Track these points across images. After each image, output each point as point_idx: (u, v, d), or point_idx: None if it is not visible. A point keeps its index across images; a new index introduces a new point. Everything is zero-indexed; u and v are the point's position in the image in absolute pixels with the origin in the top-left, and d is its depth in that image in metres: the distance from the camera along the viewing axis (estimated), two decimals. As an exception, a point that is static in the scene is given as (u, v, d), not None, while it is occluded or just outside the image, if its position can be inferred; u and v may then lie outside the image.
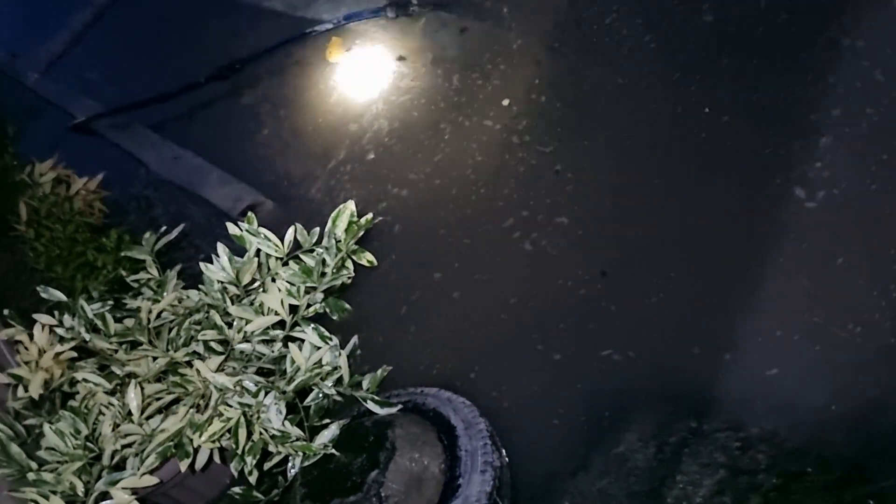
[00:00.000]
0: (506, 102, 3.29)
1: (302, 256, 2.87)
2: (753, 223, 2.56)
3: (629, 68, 3.07)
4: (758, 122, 2.73)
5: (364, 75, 3.74)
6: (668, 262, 2.61)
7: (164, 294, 2.97)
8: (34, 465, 2.55)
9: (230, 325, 2.78)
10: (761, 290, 2.44)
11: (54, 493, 2.44)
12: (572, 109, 3.11)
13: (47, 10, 6.01)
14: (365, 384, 2.60)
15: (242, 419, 2.45)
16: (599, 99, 3.08)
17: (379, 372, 2.62)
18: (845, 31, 2.74)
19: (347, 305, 2.88)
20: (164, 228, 3.34)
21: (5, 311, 3.04)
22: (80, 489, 2.45)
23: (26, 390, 2.76)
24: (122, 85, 4.73)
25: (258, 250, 2.89)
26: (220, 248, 2.87)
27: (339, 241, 2.86)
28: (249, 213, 2.99)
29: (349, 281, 2.91)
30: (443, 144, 3.28)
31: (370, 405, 2.53)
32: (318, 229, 2.92)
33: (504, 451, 2.49)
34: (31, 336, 2.91)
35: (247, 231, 2.88)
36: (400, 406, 2.56)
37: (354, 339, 2.83)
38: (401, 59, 3.71)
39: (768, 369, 2.35)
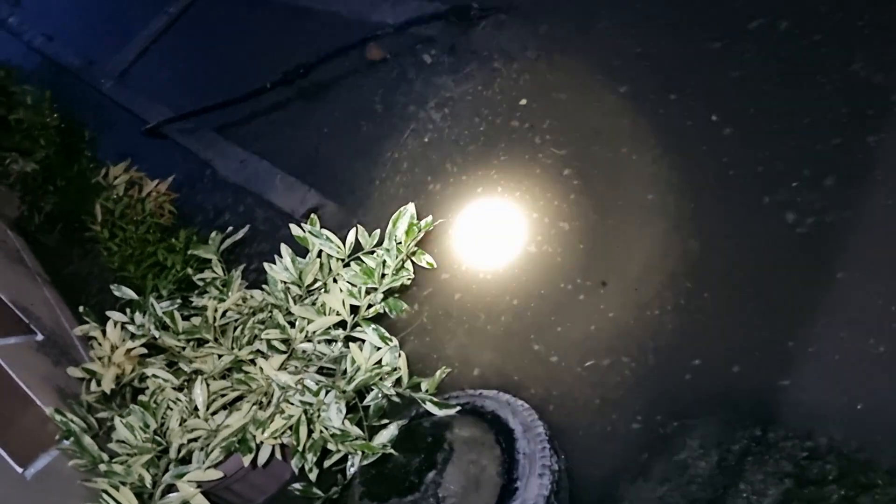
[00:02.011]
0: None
1: (363, 258, 2.91)
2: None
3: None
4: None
5: (421, 78, 3.76)
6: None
7: (230, 293, 3.04)
8: (105, 456, 2.64)
9: (292, 325, 2.83)
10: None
11: (124, 484, 2.52)
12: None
13: (122, 18, 6.23)
14: (423, 385, 2.61)
15: (303, 417, 2.49)
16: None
17: (438, 373, 2.63)
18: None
19: (406, 306, 2.90)
20: (230, 229, 3.43)
21: (81, 309, 3.16)
22: (148, 481, 2.53)
23: (99, 384, 2.87)
24: (192, 90, 4.87)
25: (320, 251, 2.94)
26: (284, 248, 2.93)
27: (400, 242, 2.88)
28: (312, 215, 3.04)
29: (409, 282, 2.93)
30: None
31: (429, 406, 2.53)
32: (378, 231, 2.95)
33: (562, 455, 2.47)
34: (104, 332, 3.03)
35: (309, 232, 2.93)
36: (458, 408, 2.56)
37: (413, 340, 2.85)
38: (454, 56, 3.73)
39: (836, 380, 2.27)
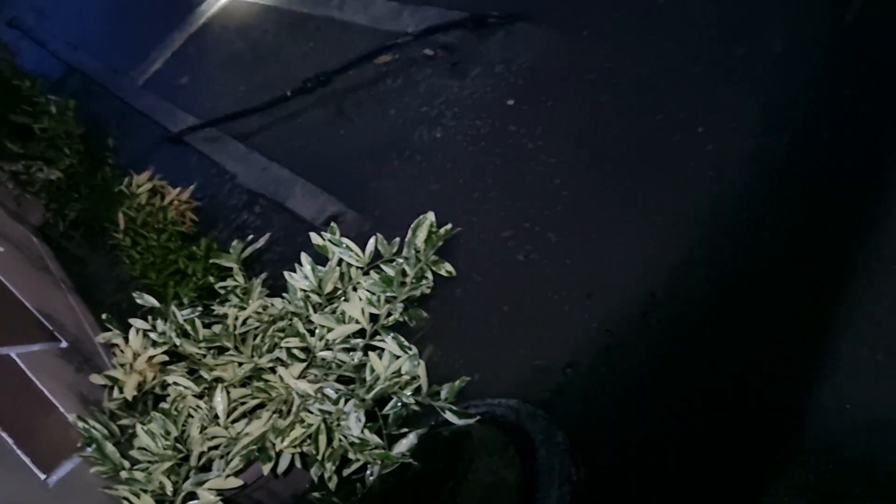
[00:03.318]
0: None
1: (383, 266, 2.91)
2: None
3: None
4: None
5: (439, 86, 3.76)
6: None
7: (250, 301, 3.06)
8: (127, 463, 2.66)
9: (312, 333, 2.84)
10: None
11: (144, 491, 2.54)
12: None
13: (145, 28, 6.30)
14: (443, 394, 2.60)
15: (323, 426, 2.50)
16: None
17: (457, 382, 2.62)
18: None
19: (426, 314, 2.90)
20: (250, 237, 3.44)
21: (104, 316, 3.19)
22: (169, 489, 2.54)
23: (121, 392, 2.89)
24: (214, 99, 4.91)
25: (340, 260, 2.94)
26: (304, 257, 2.94)
27: (419, 251, 2.88)
28: (332, 224, 3.05)
29: (429, 291, 2.92)
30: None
31: (448, 415, 2.53)
32: (398, 240, 2.95)
33: (582, 466, 2.45)
34: (126, 340, 3.05)
35: (329, 241, 2.94)
36: (478, 417, 2.55)
37: (432, 348, 2.85)
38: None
39: (859, 392, 2.24)
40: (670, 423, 2.42)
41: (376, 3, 4.55)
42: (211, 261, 3.38)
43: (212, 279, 3.31)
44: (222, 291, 3.24)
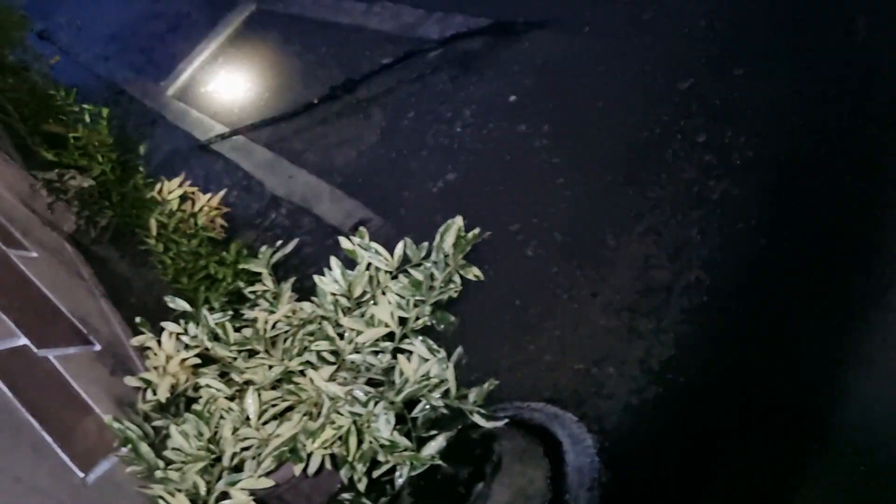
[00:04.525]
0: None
1: (411, 270, 2.94)
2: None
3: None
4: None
5: (464, 92, 3.80)
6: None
7: (280, 305, 3.10)
8: (161, 463, 2.70)
9: (342, 337, 2.87)
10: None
11: (179, 490, 2.58)
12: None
13: (175, 39, 6.41)
14: (471, 397, 2.62)
15: (353, 427, 2.52)
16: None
17: (485, 385, 2.64)
18: None
19: (453, 318, 2.92)
20: (279, 243, 3.49)
21: (137, 320, 3.25)
22: (203, 488, 2.58)
23: (155, 394, 2.94)
24: (242, 107, 4.98)
25: (369, 264, 2.98)
26: (333, 261, 2.98)
27: (448, 255, 2.91)
28: (361, 228, 3.09)
29: (457, 295, 2.95)
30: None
31: (477, 418, 2.54)
32: (426, 244, 2.98)
33: (612, 468, 2.46)
34: (159, 343, 3.10)
35: (358, 245, 2.97)
36: (506, 420, 2.57)
37: (460, 350, 2.87)
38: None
39: (890, 394, 2.23)
40: (694, 424, 2.42)
41: (403, 11, 4.60)
42: (241, 266, 3.42)
43: (241, 284, 3.35)
44: (252, 296, 3.29)
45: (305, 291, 3.24)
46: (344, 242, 3.01)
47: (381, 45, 4.46)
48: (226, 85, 5.40)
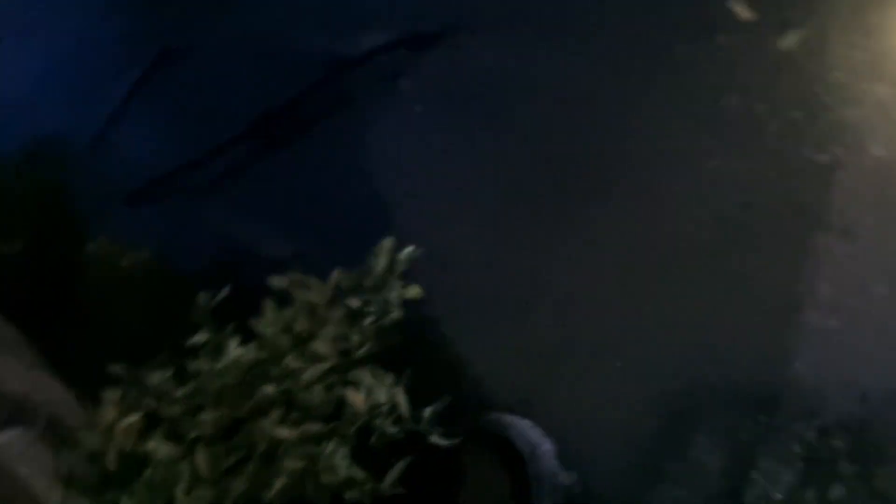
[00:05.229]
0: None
1: (348, 300, 2.89)
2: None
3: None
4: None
5: (387, 110, 3.77)
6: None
7: (223, 354, 3.02)
8: (116, 538, 2.61)
9: (287, 376, 2.81)
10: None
11: (139, 564, 2.50)
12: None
13: (94, 83, 6.22)
14: (426, 416, 2.59)
15: (309, 469, 2.47)
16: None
17: (438, 403, 2.61)
18: None
19: (398, 339, 2.88)
20: (215, 289, 3.41)
21: (76, 388, 3.15)
22: (163, 557, 2.50)
23: (102, 464, 2.84)
24: (169, 150, 4.86)
25: (305, 299, 2.92)
26: (268, 302, 2.91)
27: (383, 278, 2.87)
28: (294, 264, 3.03)
29: (398, 315, 2.91)
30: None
31: (433, 438, 2.52)
32: (360, 270, 2.93)
33: (574, 470, 2.45)
34: (101, 410, 3.00)
35: (292, 282, 2.91)
36: (464, 435, 2.54)
37: (408, 372, 2.82)
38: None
39: (824, 358, 2.26)
40: (650, 413, 2.43)
41: (314, 31, 4.53)
42: (179, 317, 3.33)
43: (182, 336, 3.26)
44: (194, 347, 3.20)
45: (248, 334, 3.17)
46: (276, 281, 2.94)
47: (297, 69, 4.39)
48: (151, 128, 5.28)
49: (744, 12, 2.68)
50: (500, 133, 3.20)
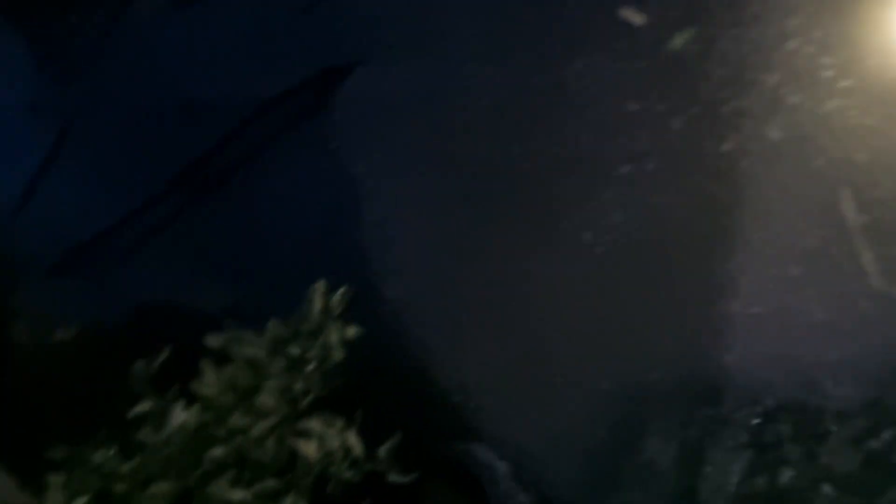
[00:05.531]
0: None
1: (287, 348, 2.86)
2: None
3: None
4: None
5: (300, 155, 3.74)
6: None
7: (167, 421, 2.95)
8: None
9: (236, 434, 2.76)
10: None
11: None
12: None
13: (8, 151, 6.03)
14: (381, 456, 2.57)
15: (268, 528, 2.43)
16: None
17: (391, 441, 2.60)
18: None
19: (343, 380, 2.86)
20: (152, 354, 3.33)
21: (17, 476, 3.03)
22: None
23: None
24: (89, 218, 4.74)
25: (243, 354, 2.87)
26: (206, 363, 2.86)
27: (320, 321, 2.85)
28: (227, 320, 2.98)
29: (340, 357, 2.89)
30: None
31: (391, 477, 2.50)
32: (296, 317, 2.90)
33: (532, 486, 2.46)
34: (47, 495, 2.90)
35: (228, 339, 2.87)
36: (420, 470, 2.54)
37: (360, 413, 2.80)
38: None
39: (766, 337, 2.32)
40: (601, 422, 2.46)
41: (225, 79, 4.47)
42: (118, 389, 3.25)
43: (122, 407, 3.18)
44: (137, 418, 3.12)
45: (191, 397, 3.10)
46: (211, 341, 2.90)
47: (214, 119, 4.32)
48: (71, 193, 5.13)
49: (635, 17, 2.75)
50: (417, 160, 3.21)
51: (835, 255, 2.25)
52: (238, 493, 2.52)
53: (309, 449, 2.58)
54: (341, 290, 2.91)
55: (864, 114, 2.39)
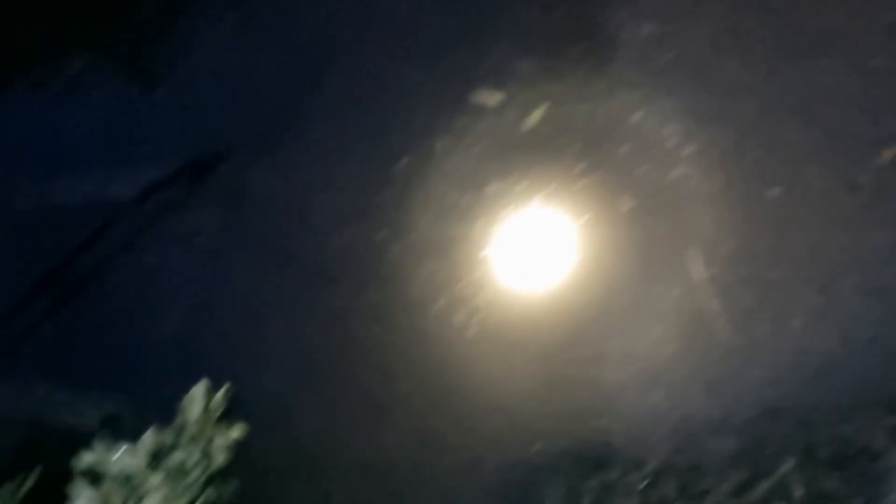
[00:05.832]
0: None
1: (169, 456, 2.73)
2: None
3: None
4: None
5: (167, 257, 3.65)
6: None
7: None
8: None
9: (119, 558, 2.60)
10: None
11: None
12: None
13: None
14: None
15: None
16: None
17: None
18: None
19: (235, 482, 2.75)
20: (21, 477, 3.11)
21: None
22: None
23: None
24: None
25: (120, 469, 2.72)
26: (78, 484, 2.69)
27: (199, 426, 2.74)
28: (101, 433, 2.83)
29: (225, 461, 2.78)
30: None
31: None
32: (175, 423, 2.78)
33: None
34: None
35: (99, 455, 2.72)
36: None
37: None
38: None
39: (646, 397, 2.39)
40: (494, 495, 2.45)
41: (84, 179, 4.32)
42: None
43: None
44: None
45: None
46: (86, 458, 2.74)
47: (74, 222, 4.15)
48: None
49: (490, 99, 2.86)
50: (285, 255, 3.18)
51: (685, 312, 2.37)
52: None
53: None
54: (223, 389, 2.82)
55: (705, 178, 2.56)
